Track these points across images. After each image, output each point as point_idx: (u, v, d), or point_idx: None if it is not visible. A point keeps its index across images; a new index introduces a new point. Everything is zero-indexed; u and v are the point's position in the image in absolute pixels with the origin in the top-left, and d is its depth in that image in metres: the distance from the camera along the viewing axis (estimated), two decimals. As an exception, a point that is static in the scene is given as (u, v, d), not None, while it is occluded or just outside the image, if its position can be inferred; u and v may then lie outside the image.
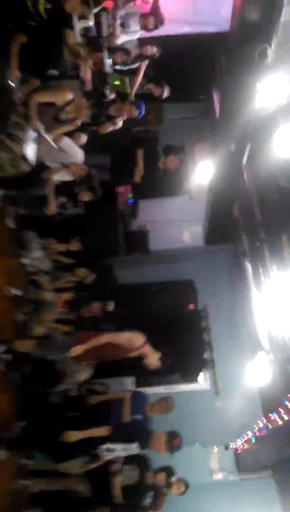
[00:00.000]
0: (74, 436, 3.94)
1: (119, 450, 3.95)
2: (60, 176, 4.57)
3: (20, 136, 3.56)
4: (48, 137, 4.17)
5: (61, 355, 4.18)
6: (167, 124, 6.86)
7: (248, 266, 6.59)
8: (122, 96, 5.16)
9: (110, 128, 5.04)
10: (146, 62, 5.26)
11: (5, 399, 4.41)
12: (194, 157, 7.04)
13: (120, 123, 5.04)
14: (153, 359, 4.11)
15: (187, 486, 4.20)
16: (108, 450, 3.96)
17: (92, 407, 4.77)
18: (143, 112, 5.01)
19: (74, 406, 4.81)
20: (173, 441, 4.05)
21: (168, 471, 4.17)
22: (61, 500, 4.26)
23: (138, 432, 4.16)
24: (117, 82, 4.98)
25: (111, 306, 5.21)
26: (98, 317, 5.22)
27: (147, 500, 4.10)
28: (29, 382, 4.65)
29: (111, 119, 4.98)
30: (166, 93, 5.40)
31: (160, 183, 6.09)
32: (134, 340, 4.09)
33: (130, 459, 4.24)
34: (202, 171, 6.75)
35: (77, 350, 3.97)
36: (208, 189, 6.70)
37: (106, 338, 4.06)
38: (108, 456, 4.00)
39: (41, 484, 4.45)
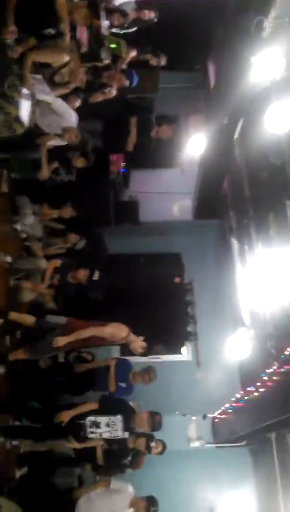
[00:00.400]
0: (67, 416, 4.08)
1: (103, 424, 4.06)
2: (54, 141, 4.46)
3: (15, 97, 3.45)
4: (42, 98, 4.06)
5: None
6: (162, 93, 6.70)
7: (234, 243, 6.63)
8: (116, 60, 5.03)
9: (100, 98, 4.93)
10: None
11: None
12: (188, 129, 6.95)
13: (113, 93, 4.92)
14: (137, 346, 4.24)
15: (164, 446, 4.34)
16: (94, 423, 4.08)
17: (79, 374, 4.86)
18: (135, 82, 4.91)
19: (62, 372, 4.91)
20: (156, 418, 4.20)
21: (148, 436, 4.29)
22: (47, 458, 4.35)
23: (123, 406, 4.26)
24: (113, 45, 4.85)
25: (96, 275, 5.20)
26: (83, 285, 5.22)
27: (127, 459, 4.26)
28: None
29: (103, 87, 4.87)
30: (162, 62, 5.29)
31: (152, 154, 6.02)
32: (118, 333, 4.20)
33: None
34: (195, 144, 6.69)
35: (61, 340, 4.06)
36: (199, 162, 6.66)
37: (90, 331, 4.14)
38: (93, 435, 4.09)
39: (28, 445, 4.56)
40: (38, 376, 4.95)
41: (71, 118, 4.42)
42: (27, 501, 4.19)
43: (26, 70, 3.51)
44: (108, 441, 4.14)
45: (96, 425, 4.08)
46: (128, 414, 4.17)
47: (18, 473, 4.71)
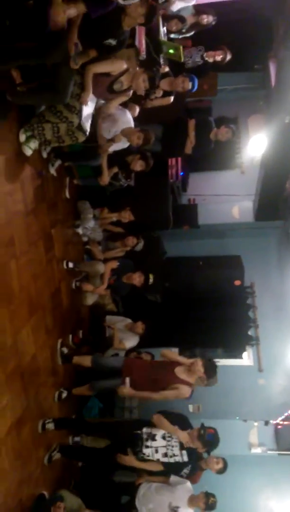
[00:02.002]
0: None
1: (159, 437, 3.95)
2: (115, 145, 4.58)
3: (77, 107, 3.61)
4: (103, 108, 4.19)
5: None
6: (221, 95, 6.68)
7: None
8: (175, 65, 5.06)
9: (158, 103, 4.98)
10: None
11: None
12: (248, 130, 6.86)
13: (171, 99, 4.96)
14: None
15: (226, 464, 4.27)
16: (149, 435, 3.99)
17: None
18: (196, 86, 4.90)
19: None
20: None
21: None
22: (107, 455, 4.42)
23: (182, 419, 4.18)
24: (171, 51, 4.88)
25: (151, 279, 5.25)
26: (139, 288, 5.29)
27: (185, 471, 4.22)
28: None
29: (165, 94, 4.90)
30: (228, 56, 5.23)
31: (212, 156, 5.99)
32: (181, 394, 4.11)
33: None
34: (255, 145, 6.58)
35: (126, 392, 4.17)
36: (260, 163, 6.53)
37: (157, 396, 4.12)
38: (148, 450, 3.94)
39: (89, 441, 4.71)
40: (99, 374, 5.09)
41: (131, 125, 4.52)
42: (88, 495, 4.34)
43: (87, 81, 3.65)
44: (166, 465, 3.95)
45: (152, 437, 3.95)
46: (186, 427, 4.02)
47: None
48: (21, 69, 3.37)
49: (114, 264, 5.31)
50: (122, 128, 4.44)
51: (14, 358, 3.47)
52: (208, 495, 4.05)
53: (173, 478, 4.12)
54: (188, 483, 4.14)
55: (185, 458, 3.90)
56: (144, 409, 6.07)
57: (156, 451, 3.90)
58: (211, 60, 5.32)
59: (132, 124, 4.53)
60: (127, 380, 4.21)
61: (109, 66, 3.80)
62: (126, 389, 4.19)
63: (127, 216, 5.46)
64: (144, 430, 4.02)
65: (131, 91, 4.43)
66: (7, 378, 3.31)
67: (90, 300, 5.39)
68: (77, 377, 5.08)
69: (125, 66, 3.95)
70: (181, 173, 6.58)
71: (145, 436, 3.97)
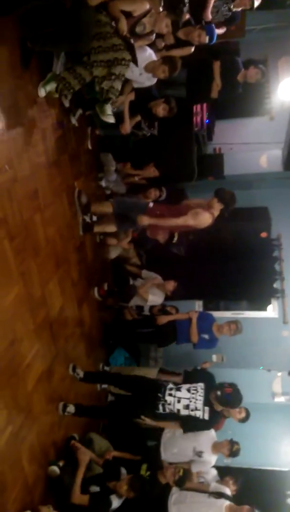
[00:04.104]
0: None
1: (184, 389, 3.99)
2: (139, 83, 4.38)
3: (118, 42, 3.40)
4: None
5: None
6: (249, 36, 6.24)
7: None
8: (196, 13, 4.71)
9: (178, 54, 4.69)
10: None
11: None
12: (278, 73, 6.46)
13: (191, 49, 4.66)
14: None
15: (248, 414, 4.36)
16: (175, 385, 4.07)
17: (161, 326, 5.02)
18: (215, 38, 4.58)
19: (146, 324, 5.11)
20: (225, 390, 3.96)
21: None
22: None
23: (207, 376, 4.28)
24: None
25: (175, 238, 5.19)
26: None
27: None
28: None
29: (181, 43, 4.61)
30: (257, 2, 4.83)
31: (239, 101, 5.69)
32: (202, 219, 4.23)
33: None
34: (286, 89, 6.22)
35: (145, 220, 4.27)
36: (291, 109, 6.20)
37: (177, 222, 4.25)
38: (171, 398, 3.94)
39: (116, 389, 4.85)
40: (124, 326, 5.22)
41: (151, 58, 4.29)
42: (115, 437, 4.55)
43: (117, 12, 3.42)
44: (185, 418, 3.91)
45: (177, 388, 3.99)
46: (211, 385, 4.07)
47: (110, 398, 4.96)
48: (39, 13, 3.20)
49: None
50: (145, 65, 4.23)
51: (43, 309, 3.55)
52: (232, 442, 4.19)
53: None
54: (212, 430, 4.27)
55: (207, 416, 3.88)
56: (169, 359, 6.23)
57: (178, 401, 3.91)
58: (239, 9, 4.96)
59: (153, 57, 4.30)
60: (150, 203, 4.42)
61: (131, 4, 3.58)
62: (145, 218, 4.26)
63: (151, 172, 5.33)
64: (170, 384, 4.08)
65: (154, 35, 4.20)
66: (37, 328, 3.40)
67: (114, 253, 5.42)
68: (104, 328, 5.21)
69: (147, 6, 3.72)
70: (207, 121, 6.30)
71: (170, 386, 4.03)
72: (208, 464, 4.25)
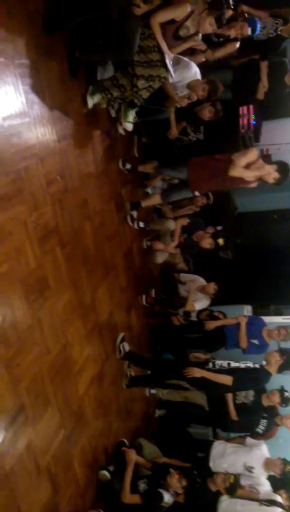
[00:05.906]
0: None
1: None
2: (183, 102, 4.38)
3: (156, 58, 3.45)
4: (170, 56, 4.00)
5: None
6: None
7: None
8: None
9: (222, 53, 4.64)
10: None
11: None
12: None
13: (236, 46, 4.59)
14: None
15: None
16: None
17: (209, 332, 4.97)
18: (258, 30, 4.48)
19: (194, 329, 5.09)
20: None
21: (281, 390, 4.24)
22: (182, 408, 4.59)
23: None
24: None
25: (221, 241, 5.12)
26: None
27: (261, 427, 4.24)
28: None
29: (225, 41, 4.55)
30: None
31: (286, 101, 5.56)
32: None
33: None
34: None
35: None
36: None
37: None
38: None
39: (165, 394, 4.88)
40: (172, 331, 5.21)
41: (196, 74, 4.28)
42: (165, 444, 4.54)
43: (156, 31, 3.46)
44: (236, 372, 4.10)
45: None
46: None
47: (157, 413, 5.10)
48: (87, 26, 3.28)
49: (185, 222, 5.26)
50: (189, 81, 4.23)
51: (93, 314, 3.62)
52: (285, 462, 4.02)
53: (249, 440, 4.17)
54: (264, 446, 4.15)
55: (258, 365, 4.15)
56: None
57: (228, 364, 4.23)
58: (286, 35, 4.83)
59: (198, 76, 4.29)
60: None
61: (172, 12, 3.57)
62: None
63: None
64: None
65: (200, 35, 4.18)
66: (87, 333, 3.47)
67: (161, 258, 5.42)
68: (151, 334, 5.22)
69: (189, 9, 3.71)
70: (253, 122, 6.19)
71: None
72: (258, 480, 4.09)
